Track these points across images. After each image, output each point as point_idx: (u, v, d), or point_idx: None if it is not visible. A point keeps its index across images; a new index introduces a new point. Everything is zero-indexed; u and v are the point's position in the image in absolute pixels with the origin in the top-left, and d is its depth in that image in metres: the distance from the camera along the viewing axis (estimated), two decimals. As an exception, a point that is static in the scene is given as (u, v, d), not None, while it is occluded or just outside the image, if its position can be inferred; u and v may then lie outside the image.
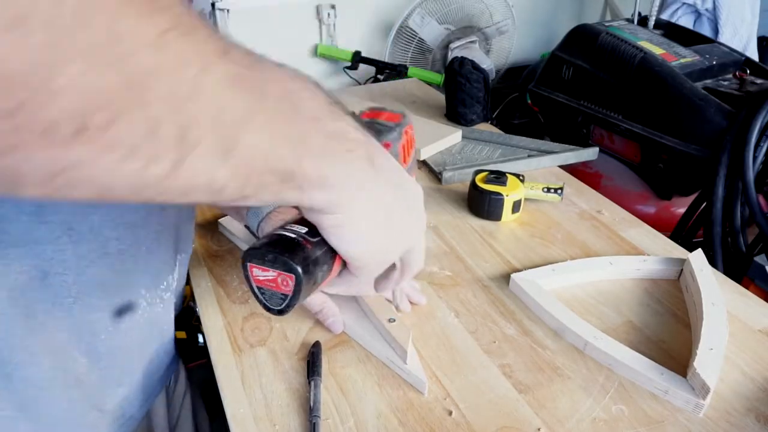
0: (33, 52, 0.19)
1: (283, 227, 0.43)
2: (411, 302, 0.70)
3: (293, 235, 0.41)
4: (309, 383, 0.59)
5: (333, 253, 0.42)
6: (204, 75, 0.25)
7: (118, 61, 0.21)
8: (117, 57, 0.21)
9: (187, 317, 1.91)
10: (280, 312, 0.43)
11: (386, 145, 0.53)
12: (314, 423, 0.54)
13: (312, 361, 0.61)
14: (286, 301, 0.42)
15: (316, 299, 0.66)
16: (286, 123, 0.31)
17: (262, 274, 0.42)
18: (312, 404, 0.56)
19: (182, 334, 2.02)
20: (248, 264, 0.42)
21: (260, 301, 0.44)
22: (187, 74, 0.25)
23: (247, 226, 0.68)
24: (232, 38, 0.29)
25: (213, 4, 1.64)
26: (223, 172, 0.29)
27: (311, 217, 0.39)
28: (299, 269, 0.40)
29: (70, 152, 0.22)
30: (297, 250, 0.40)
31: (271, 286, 0.42)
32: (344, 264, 0.44)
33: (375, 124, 0.54)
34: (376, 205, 0.40)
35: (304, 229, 0.42)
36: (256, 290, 0.43)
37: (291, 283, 0.41)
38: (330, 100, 0.36)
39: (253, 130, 0.29)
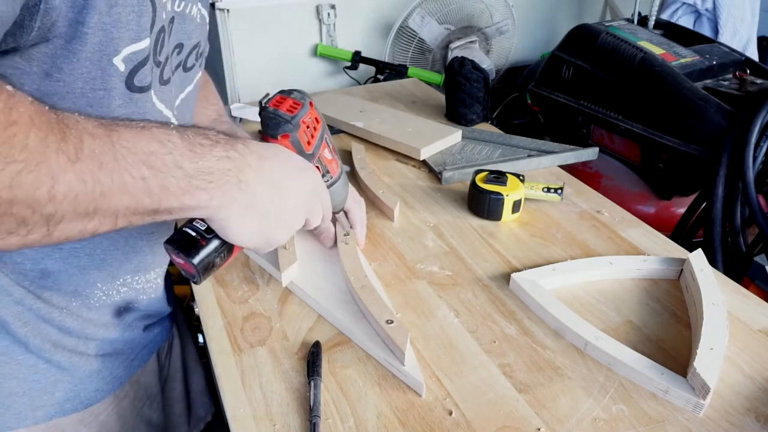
0: None
1: (189, 223, 0.54)
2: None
3: (193, 233, 0.53)
4: (309, 383, 0.59)
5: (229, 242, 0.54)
6: (54, 186, 0.36)
7: None
8: None
9: (187, 317, 1.92)
10: (195, 282, 0.56)
11: (284, 137, 0.61)
12: (314, 423, 0.54)
13: (312, 361, 0.61)
14: (195, 277, 0.54)
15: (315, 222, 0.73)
16: (141, 183, 0.41)
17: (175, 257, 0.55)
18: (312, 404, 0.56)
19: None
20: (167, 249, 0.55)
21: (182, 272, 0.56)
22: (39, 192, 0.35)
23: None
24: (89, 124, 0.39)
25: (213, 4, 1.64)
26: (92, 224, 0.40)
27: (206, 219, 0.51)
28: (194, 261, 0.53)
29: None
30: (193, 246, 0.53)
31: (183, 267, 0.55)
32: None
33: (275, 117, 0.61)
34: (249, 210, 0.50)
35: (204, 226, 0.53)
36: (177, 265, 0.56)
37: (192, 270, 0.54)
38: (192, 145, 0.45)
39: (111, 198, 0.39)
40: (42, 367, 0.61)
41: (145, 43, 0.49)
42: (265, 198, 0.52)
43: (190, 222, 0.54)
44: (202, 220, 0.52)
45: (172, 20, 0.57)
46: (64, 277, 0.59)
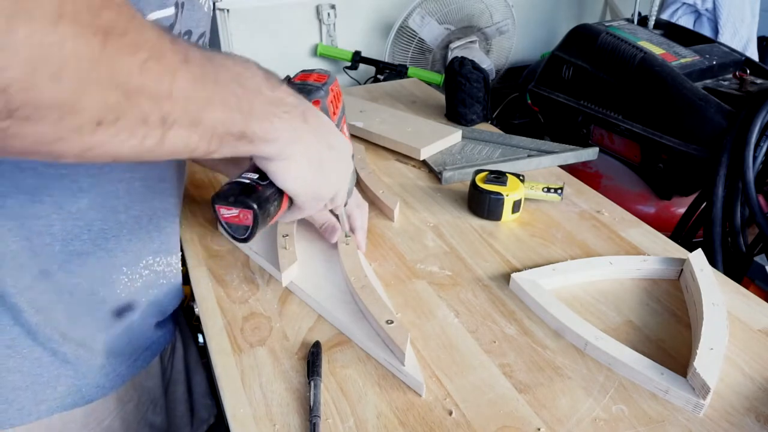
0: (67, 92, 0.31)
1: (239, 176, 0.55)
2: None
3: (247, 180, 0.54)
4: (309, 383, 0.59)
5: (281, 192, 0.55)
6: (173, 82, 0.37)
7: (118, 86, 0.34)
8: (117, 83, 0.34)
9: (187, 317, 1.91)
10: (245, 240, 0.55)
11: (315, 103, 0.61)
12: (314, 423, 0.54)
13: (312, 361, 0.61)
14: (249, 231, 0.54)
15: (319, 215, 0.77)
16: (235, 99, 0.43)
17: (227, 212, 0.54)
18: (312, 404, 0.56)
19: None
20: (216, 205, 0.54)
21: (229, 234, 0.56)
22: (162, 85, 0.37)
23: None
24: (188, 43, 0.40)
25: (213, 4, 1.64)
26: (194, 138, 0.41)
27: (261, 165, 0.52)
28: (254, 205, 0.53)
29: (92, 139, 0.35)
30: (251, 192, 0.53)
31: (235, 221, 0.55)
32: (291, 201, 0.57)
33: (305, 86, 0.62)
34: (310, 153, 0.53)
35: (255, 176, 0.54)
36: (224, 225, 0.55)
37: (250, 217, 0.53)
38: (268, 76, 0.48)
39: (213, 110, 0.41)
40: (46, 361, 0.61)
41: (171, 11, 0.50)
42: (321, 147, 0.54)
43: (235, 177, 0.55)
44: (250, 171, 0.54)
45: (182, 5, 0.57)
46: (92, 261, 0.60)
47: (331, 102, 0.63)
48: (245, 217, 0.53)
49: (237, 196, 0.53)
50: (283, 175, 0.53)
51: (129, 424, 0.71)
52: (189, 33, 0.62)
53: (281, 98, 0.49)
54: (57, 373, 0.62)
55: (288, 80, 0.62)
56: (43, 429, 0.62)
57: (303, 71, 0.65)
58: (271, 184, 0.54)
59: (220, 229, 0.57)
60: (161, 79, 0.36)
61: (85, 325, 0.63)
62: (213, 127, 0.42)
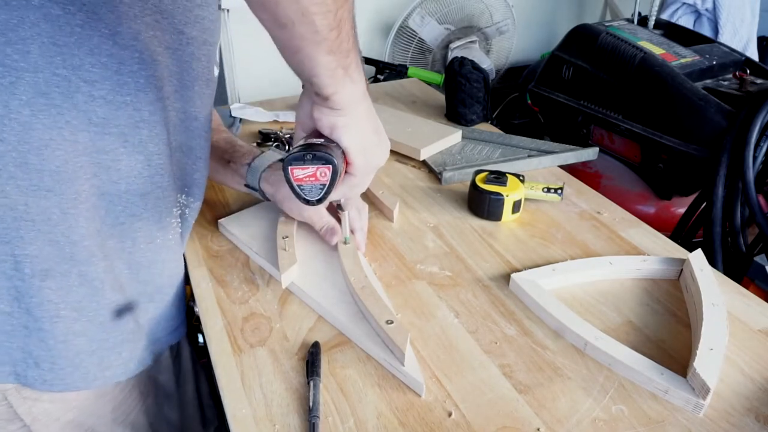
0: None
1: (305, 141, 0.58)
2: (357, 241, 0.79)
3: (318, 142, 0.57)
4: (308, 383, 0.59)
5: (343, 153, 0.59)
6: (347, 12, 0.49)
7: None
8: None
9: (187, 317, 1.90)
10: (319, 201, 0.58)
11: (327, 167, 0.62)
12: (313, 423, 0.54)
13: (311, 361, 0.61)
14: (324, 190, 0.57)
15: (318, 217, 0.79)
16: (349, 28, 0.52)
17: (302, 172, 0.56)
18: (311, 404, 0.56)
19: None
20: (289, 168, 0.56)
21: (300, 197, 0.59)
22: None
23: (247, 185, 0.82)
24: None
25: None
26: (329, 58, 0.51)
27: (329, 123, 0.57)
28: (334, 159, 0.55)
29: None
30: (326, 149, 0.56)
31: (310, 181, 0.57)
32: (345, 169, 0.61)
33: (319, 146, 0.62)
34: (369, 117, 0.60)
35: (321, 139, 0.58)
36: (296, 187, 0.58)
37: (328, 173, 0.56)
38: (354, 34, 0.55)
39: (348, 28, 0.52)
40: (110, 326, 0.63)
41: None
42: (376, 121, 0.62)
43: (301, 141, 0.59)
44: (312, 137, 0.58)
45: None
46: (152, 201, 0.63)
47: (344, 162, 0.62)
48: (323, 174, 0.56)
49: (315, 153, 0.55)
50: (349, 132, 0.58)
51: (151, 419, 0.74)
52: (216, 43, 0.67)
53: (356, 60, 0.56)
54: (122, 338, 0.65)
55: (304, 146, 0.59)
56: (94, 394, 0.65)
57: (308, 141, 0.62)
58: (338, 146, 0.58)
59: (292, 191, 0.59)
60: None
61: (144, 280, 0.66)
62: (348, 32, 0.52)
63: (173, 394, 0.80)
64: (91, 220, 0.58)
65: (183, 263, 0.75)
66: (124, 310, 0.64)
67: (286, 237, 0.78)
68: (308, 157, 0.55)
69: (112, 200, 0.60)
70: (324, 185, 0.57)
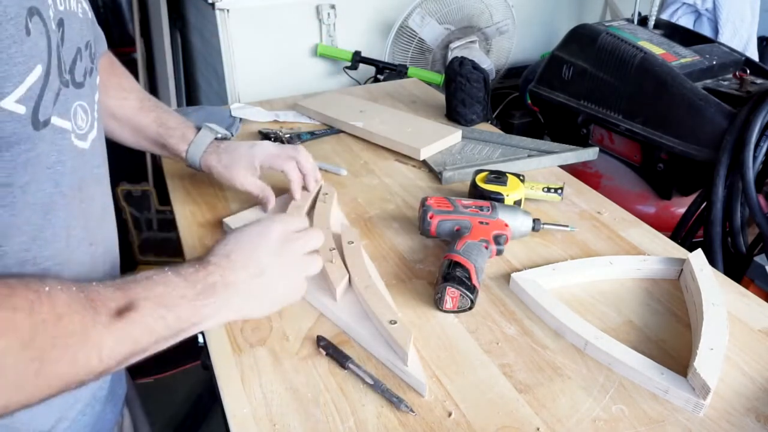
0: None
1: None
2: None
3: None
4: (346, 368, 0.61)
5: None
6: (101, 352, 0.44)
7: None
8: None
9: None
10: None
11: None
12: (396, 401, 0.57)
13: (332, 353, 0.63)
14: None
15: (255, 186, 0.87)
16: (163, 323, 0.49)
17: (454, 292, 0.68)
18: (373, 382, 0.59)
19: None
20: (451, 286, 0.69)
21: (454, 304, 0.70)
22: (93, 361, 0.44)
23: (190, 165, 0.88)
24: (102, 301, 0.45)
25: (213, 4, 1.64)
26: (130, 362, 0.48)
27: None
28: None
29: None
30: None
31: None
32: None
33: None
34: (245, 298, 0.55)
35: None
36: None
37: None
38: (185, 278, 0.52)
39: (141, 344, 0.47)
40: None
41: (39, 71, 0.44)
42: (252, 282, 0.56)
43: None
44: None
45: (61, 27, 0.49)
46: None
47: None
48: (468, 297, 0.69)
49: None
50: (244, 316, 0.57)
51: None
52: (79, 50, 0.53)
53: (202, 289, 0.52)
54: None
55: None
56: None
57: None
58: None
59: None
60: (89, 359, 0.43)
61: None
62: (145, 350, 0.48)
63: None
64: None
65: None
66: None
67: (333, 249, 0.75)
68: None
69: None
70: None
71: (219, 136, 0.89)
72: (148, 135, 0.85)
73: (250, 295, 0.56)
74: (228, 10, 1.67)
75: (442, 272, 0.69)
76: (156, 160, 2.16)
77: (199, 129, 0.88)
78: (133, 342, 0.47)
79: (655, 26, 1.62)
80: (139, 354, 0.48)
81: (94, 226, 0.56)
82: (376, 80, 1.82)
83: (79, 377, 0.43)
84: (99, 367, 0.44)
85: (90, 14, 0.59)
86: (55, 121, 0.47)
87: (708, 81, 1.36)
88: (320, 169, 0.96)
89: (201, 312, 0.52)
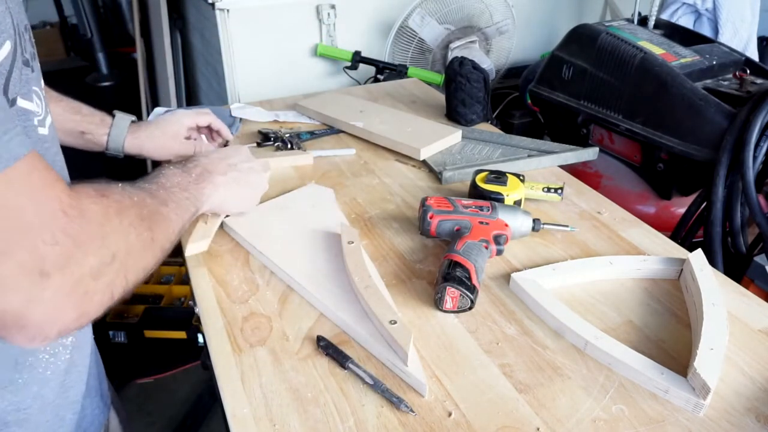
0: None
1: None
2: None
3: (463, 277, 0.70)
4: (346, 369, 0.61)
5: None
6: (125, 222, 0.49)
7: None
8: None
9: (187, 317, 1.90)
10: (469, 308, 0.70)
11: None
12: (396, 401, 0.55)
13: (332, 353, 0.63)
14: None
15: (190, 147, 0.95)
16: (188, 202, 0.65)
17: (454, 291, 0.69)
18: (372, 382, 0.59)
19: (182, 334, 2.03)
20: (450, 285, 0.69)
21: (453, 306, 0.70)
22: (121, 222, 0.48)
23: (108, 151, 0.91)
24: (134, 196, 0.53)
25: (213, 4, 1.64)
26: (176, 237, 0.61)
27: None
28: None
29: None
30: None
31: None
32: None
33: None
34: (227, 187, 0.75)
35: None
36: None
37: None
38: (184, 170, 0.70)
39: (181, 223, 0.62)
40: None
41: (8, 47, 0.43)
42: (229, 177, 0.76)
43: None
44: None
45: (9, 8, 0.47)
46: None
47: None
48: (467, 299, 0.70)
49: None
50: (226, 209, 0.81)
51: None
52: (27, 30, 0.51)
53: (196, 178, 0.70)
54: None
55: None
56: None
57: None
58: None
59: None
60: (168, 231, 0.56)
61: None
62: (183, 225, 0.62)
63: None
64: None
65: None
66: None
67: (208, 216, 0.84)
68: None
69: None
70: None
71: (134, 119, 0.92)
72: (63, 125, 0.84)
73: (226, 185, 0.75)
74: (228, 10, 1.67)
75: (442, 272, 0.69)
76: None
77: (112, 115, 0.91)
78: (180, 218, 0.61)
79: (655, 26, 1.62)
80: (183, 230, 0.62)
81: None
82: (376, 80, 1.82)
83: (167, 245, 0.55)
84: (172, 237, 0.57)
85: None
86: (21, 102, 0.47)
87: (708, 81, 1.36)
88: (328, 156, 1.05)
89: (203, 192, 0.70)
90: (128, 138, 0.90)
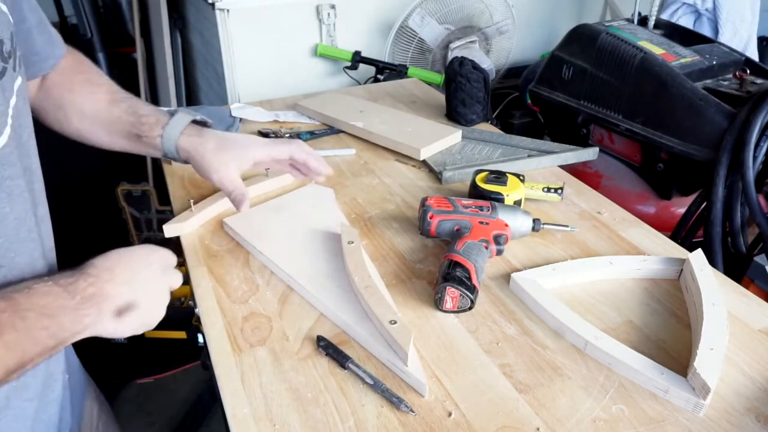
0: None
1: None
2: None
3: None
4: (346, 369, 0.61)
5: None
6: None
7: None
8: None
9: (187, 317, 1.90)
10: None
11: None
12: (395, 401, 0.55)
13: (332, 353, 0.63)
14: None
15: (229, 183, 0.76)
16: (47, 333, 0.50)
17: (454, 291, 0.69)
18: (372, 383, 0.59)
19: (182, 334, 2.02)
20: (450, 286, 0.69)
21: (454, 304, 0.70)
22: None
23: (165, 155, 0.77)
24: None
25: (213, 4, 1.64)
26: (14, 376, 0.49)
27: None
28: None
29: None
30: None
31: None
32: None
33: None
34: (120, 303, 0.56)
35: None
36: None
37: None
38: (66, 288, 0.52)
39: (28, 354, 0.49)
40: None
41: None
42: (127, 294, 0.57)
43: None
44: None
45: None
46: None
47: None
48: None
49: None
50: (118, 334, 0.57)
51: None
52: (1, 42, 0.51)
53: (81, 299, 0.53)
54: None
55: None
56: None
57: None
58: None
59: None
60: None
61: None
62: (31, 359, 0.49)
63: None
64: None
65: None
66: None
67: (197, 202, 0.84)
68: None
69: None
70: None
71: (198, 118, 0.79)
72: (122, 128, 0.76)
73: (127, 305, 0.57)
74: (228, 10, 1.67)
75: (442, 272, 0.69)
76: (156, 159, 2.16)
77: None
78: (21, 352, 0.48)
79: (655, 26, 1.62)
80: (27, 364, 0.49)
81: (4, 246, 0.52)
82: (376, 80, 1.82)
83: None
84: None
85: (7, 14, 0.53)
86: None
87: (708, 81, 1.36)
88: (328, 156, 0.97)
89: (83, 321, 0.53)
90: (181, 138, 0.75)
